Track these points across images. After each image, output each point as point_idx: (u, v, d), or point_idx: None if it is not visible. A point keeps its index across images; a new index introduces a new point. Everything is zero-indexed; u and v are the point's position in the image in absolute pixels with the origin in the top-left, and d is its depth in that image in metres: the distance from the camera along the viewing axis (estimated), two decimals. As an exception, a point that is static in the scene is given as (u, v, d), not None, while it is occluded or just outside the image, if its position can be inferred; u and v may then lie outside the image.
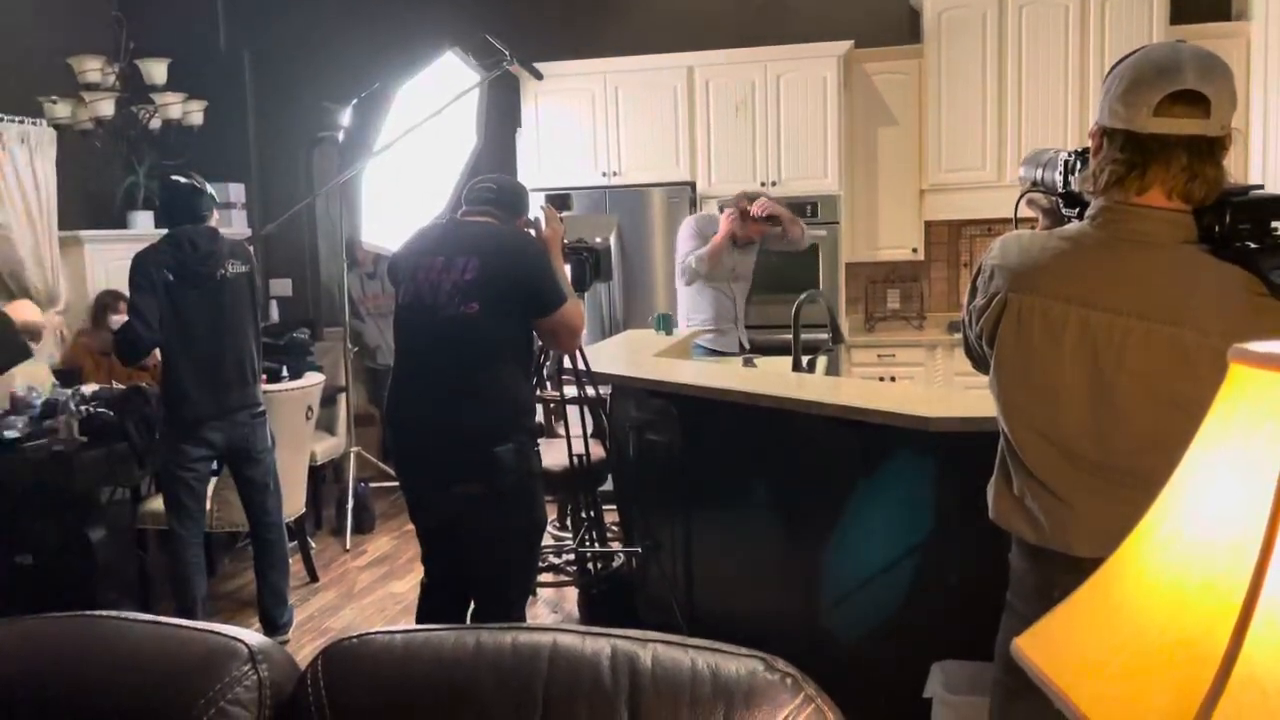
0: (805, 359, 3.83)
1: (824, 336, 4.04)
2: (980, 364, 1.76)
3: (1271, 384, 0.68)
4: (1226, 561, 0.66)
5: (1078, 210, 1.71)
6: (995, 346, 1.65)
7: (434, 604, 3.07)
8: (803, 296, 3.73)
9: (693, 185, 5.65)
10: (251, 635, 1.23)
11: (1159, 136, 1.50)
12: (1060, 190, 1.81)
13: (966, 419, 2.43)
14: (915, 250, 5.67)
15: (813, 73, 5.47)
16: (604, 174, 5.77)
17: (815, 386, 3.12)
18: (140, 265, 3.57)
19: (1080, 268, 1.57)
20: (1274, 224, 1.53)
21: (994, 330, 1.64)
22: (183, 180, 3.70)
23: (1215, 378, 1.63)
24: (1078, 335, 1.55)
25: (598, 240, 3.55)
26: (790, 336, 3.82)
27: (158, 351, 3.67)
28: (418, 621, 3.19)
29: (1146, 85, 1.50)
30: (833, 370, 4.97)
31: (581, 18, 6.08)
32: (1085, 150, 1.67)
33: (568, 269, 3.33)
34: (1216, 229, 1.53)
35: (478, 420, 2.76)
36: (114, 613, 1.27)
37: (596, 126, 5.77)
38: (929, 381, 5.39)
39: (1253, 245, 1.50)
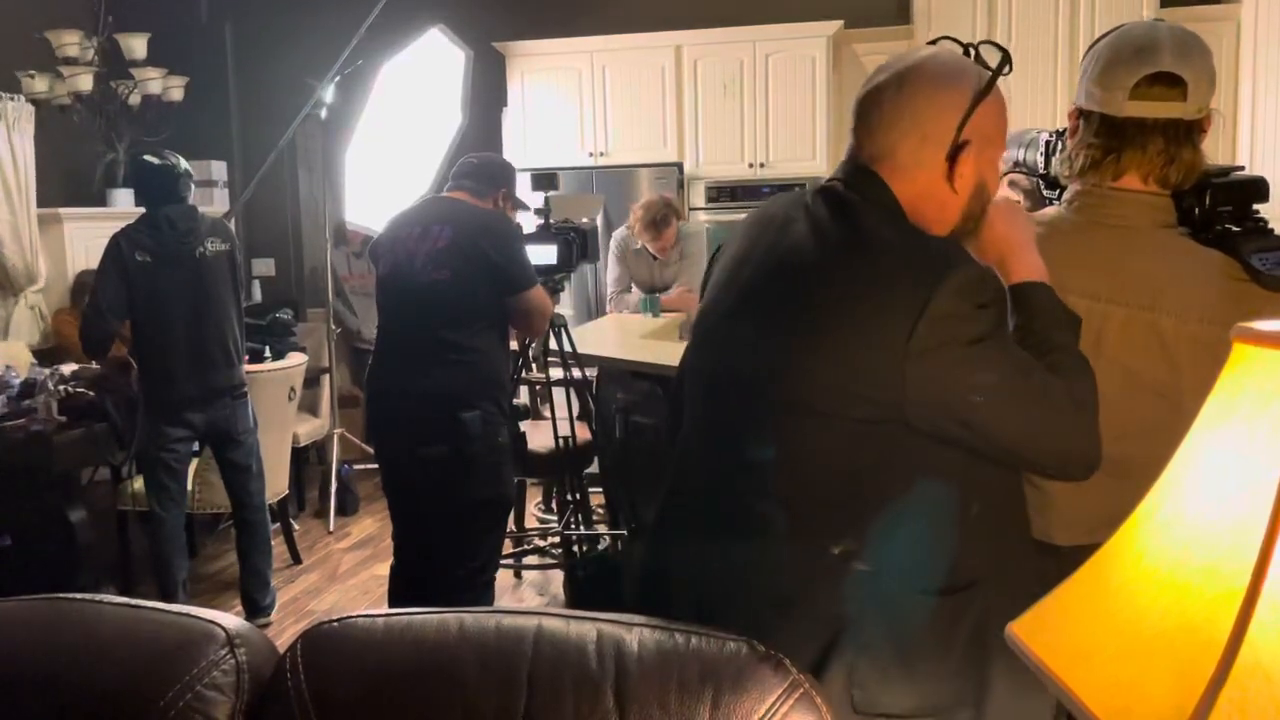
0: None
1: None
2: None
3: (1277, 363, 0.66)
4: (1229, 545, 0.64)
5: (1058, 193, 1.68)
6: None
7: (403, 590, 3.10)
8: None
9: (680, 166, 5.61)
10: (228, 618, 1.20)
11: (1135, 120, 1.47)
12: (1041, 172, 1.78)
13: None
14: (903, 233, 5.64)
15: (801, 53, 5.44)
16: (590, 154, 5.72)
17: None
18: (110, 247, 3.50)
19: (1057, 253, 1.54)
20: (1255, 206, 1.51)
21: None
22: (156, 161, 3.59)
23: (1193, 364, 1.59)
24: None
25: (584, 221, 3.51)
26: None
27: (128, 330, 3.60)
28: (389, 606, 3.19)
29: (1123, 67, 1.47)
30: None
31: (569, -5, 6.02)
32: (1064, 131, 1.64)
33: (554, 249, 3.32)
34: (1197, 211, 1.50)
35: (445, 384, 2.83)
36: (87, 595, 1.24)
37: (583, 106, 5.72)
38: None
39: (1233, 228, 1.48)
